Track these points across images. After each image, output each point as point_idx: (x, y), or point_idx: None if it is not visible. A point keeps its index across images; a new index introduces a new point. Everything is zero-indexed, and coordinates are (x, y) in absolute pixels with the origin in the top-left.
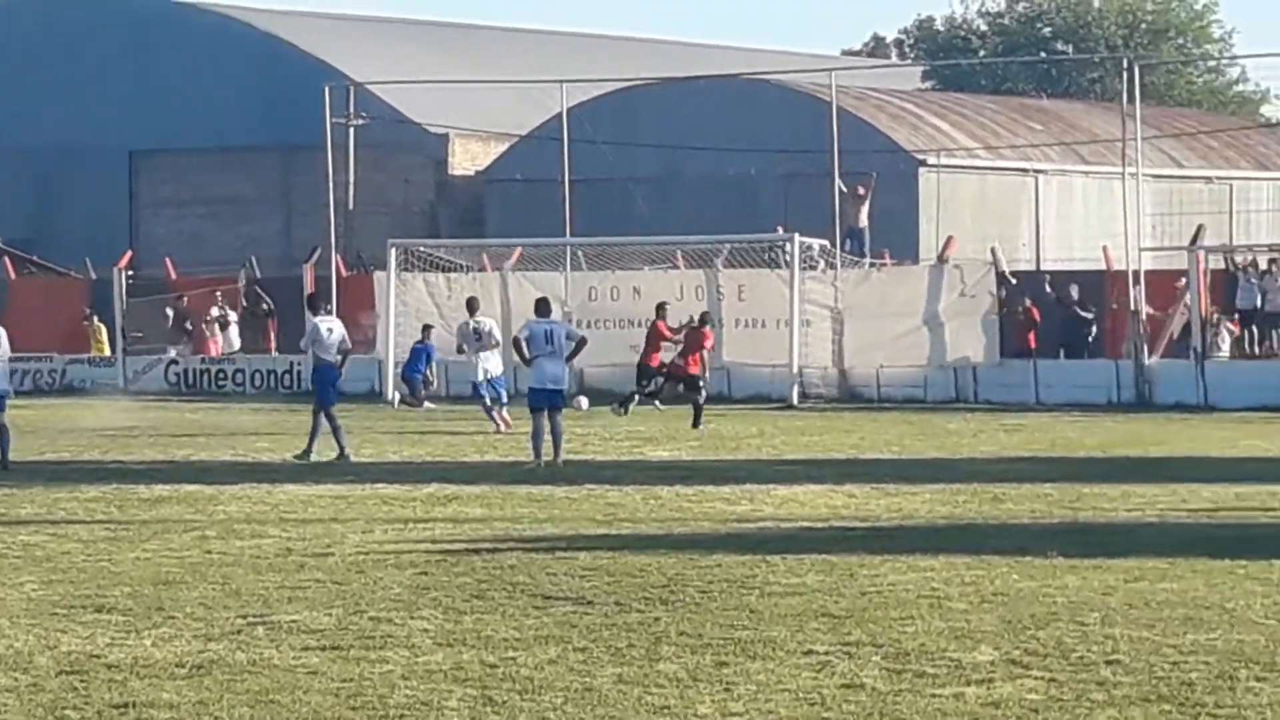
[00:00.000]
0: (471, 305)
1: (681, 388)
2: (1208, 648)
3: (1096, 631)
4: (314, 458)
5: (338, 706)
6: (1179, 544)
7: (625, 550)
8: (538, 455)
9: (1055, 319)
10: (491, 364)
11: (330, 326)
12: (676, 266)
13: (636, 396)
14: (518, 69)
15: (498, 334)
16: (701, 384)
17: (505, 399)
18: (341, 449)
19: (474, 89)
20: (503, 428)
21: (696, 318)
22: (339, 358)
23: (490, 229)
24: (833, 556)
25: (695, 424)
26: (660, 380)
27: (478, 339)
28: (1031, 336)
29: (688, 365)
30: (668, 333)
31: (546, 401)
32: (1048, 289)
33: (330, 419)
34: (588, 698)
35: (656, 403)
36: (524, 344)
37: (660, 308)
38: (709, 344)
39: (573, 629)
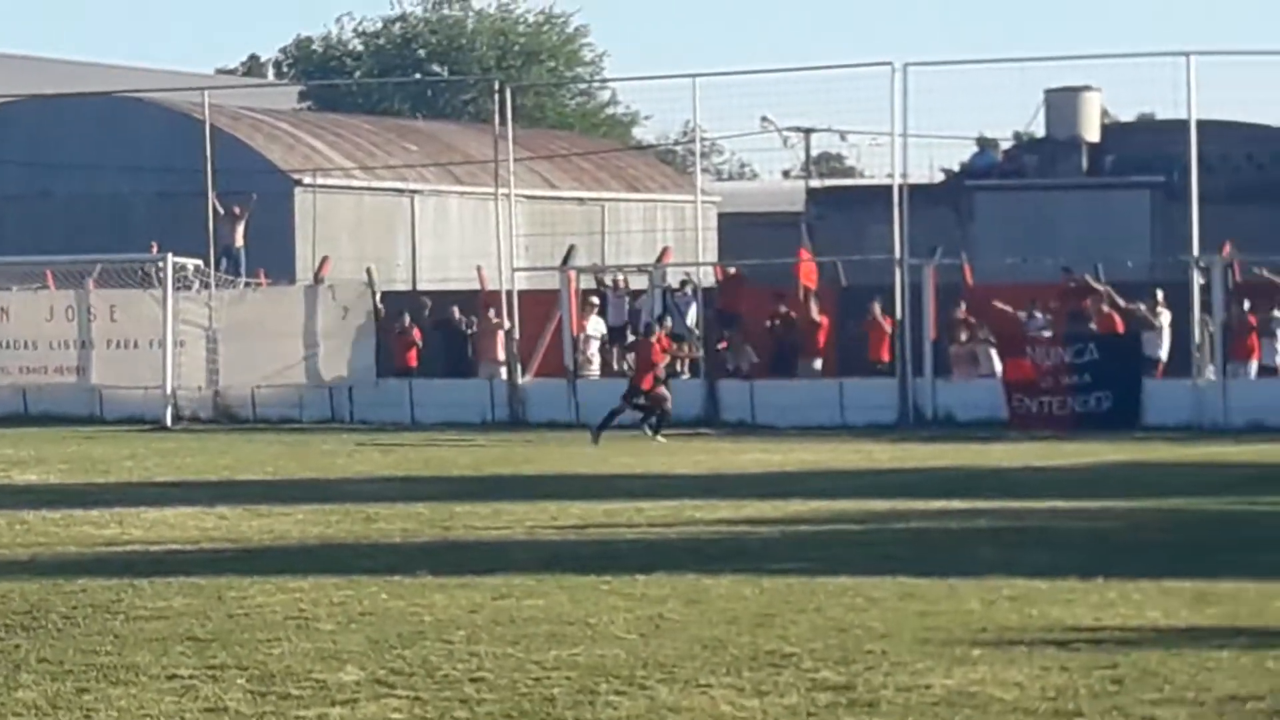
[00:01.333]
0: None
1: (640, 400)
2: (570, 663)
3: (462, 649)
4: None
5: None
6: (546, 560)
7: None
8: None
9: (438, 339)
10: None
11: None
12: (47, 287)
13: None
14: None
15: None
16: (640, 400)
17: None
18: None
19: None
20: None
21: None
22: None
23: None
24: (201, 579)
25: (656, 431)
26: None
27: None
28: (413, 356)
29: (642, 381)
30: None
31: None
32: (426, 313)
33: None
34: None
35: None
36: None
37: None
38: (656, 357)
39: None
